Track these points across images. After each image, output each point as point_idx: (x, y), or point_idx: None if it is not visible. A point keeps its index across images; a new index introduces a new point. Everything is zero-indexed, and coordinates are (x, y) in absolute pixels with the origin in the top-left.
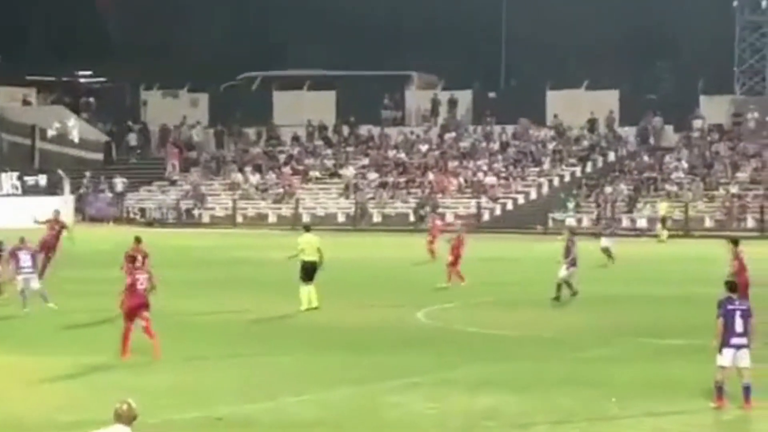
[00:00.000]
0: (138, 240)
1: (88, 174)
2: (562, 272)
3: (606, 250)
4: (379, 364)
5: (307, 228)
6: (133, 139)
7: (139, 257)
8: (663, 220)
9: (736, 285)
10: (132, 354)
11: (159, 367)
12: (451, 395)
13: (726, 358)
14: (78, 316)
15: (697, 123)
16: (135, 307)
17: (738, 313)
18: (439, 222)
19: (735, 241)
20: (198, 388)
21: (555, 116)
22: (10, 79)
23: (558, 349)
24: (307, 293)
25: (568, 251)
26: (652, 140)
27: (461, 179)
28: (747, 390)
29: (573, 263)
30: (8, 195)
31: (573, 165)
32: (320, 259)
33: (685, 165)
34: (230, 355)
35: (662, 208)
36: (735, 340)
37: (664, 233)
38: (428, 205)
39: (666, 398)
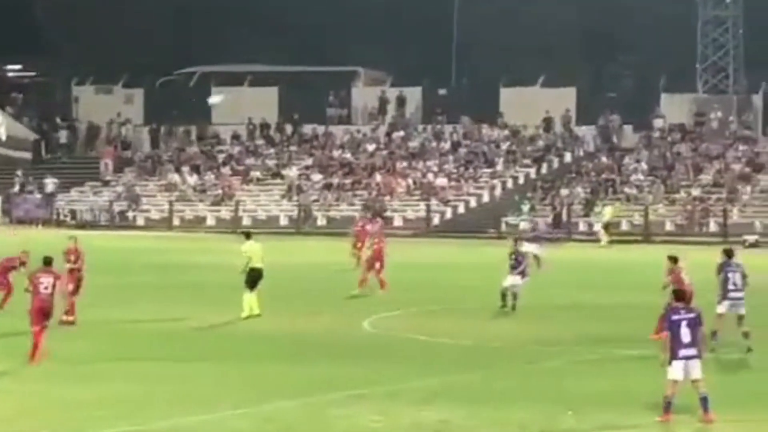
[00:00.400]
0: (73, 239)
1: (18, 173)
2: (508, 281)
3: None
4: (322, 375)
5: (247, 235)
6: (63, 136)
7: (72, 258)
8: (606, 226)
9: (684, 294)
10: (60, 364)
11: (92, 376)
12: (399, 408)
13: (676, 371)
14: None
15: (657, 122)
16: (38, 310)
17: (684, 322)
18: (367, 226)
19: (674, 259)
20: (132, 400)
21: (499, 114)
22: None
23: (509, 360)
24: (248, 300)
25: (517, 261)
26: (615, 139)
27: (410, 181)
28: (704, 401)
29: (523, 273)
30: None
31: (527, 166)
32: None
33: (644, 166)
34: (166, 365)
35: (607, 212)
36: (683, 352)
37: (605, 238)
38: (374, 208)
39: (622, 411)
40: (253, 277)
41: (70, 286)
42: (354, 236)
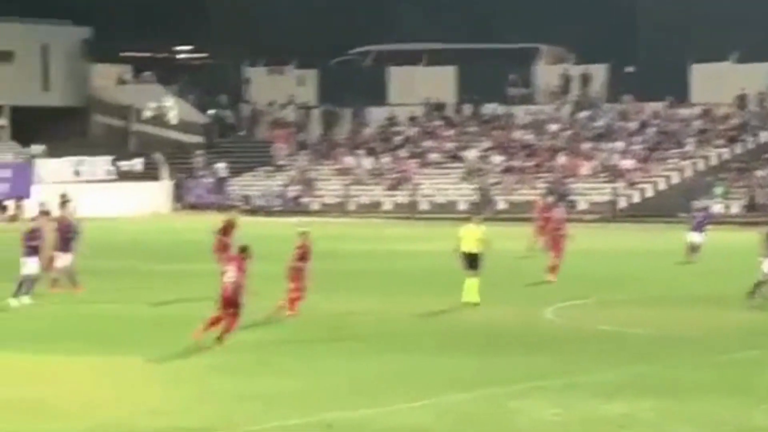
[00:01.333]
0: (304, 234)
1: (199, 156)
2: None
3: (694, 246)
4: (501, 366)
5: (469, 218)
6: (235, 119)
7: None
8: None
9: None
10: (238, 355)
11: (270, 369)
12: (580, 400)
13: None
14: (174, 312)
15: None
16: (224, 299)
17: None
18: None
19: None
20: (309, 392)
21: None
22: (103, 56)
23: (699, 351)
24: (467, 285)
25: None
26: None
27: (595, 162)
28: None
29: None
30: (102, 181)
31: (720, 146)
32: (484, 250)
33: None
34: (344, 356)
35: None
36: None
37: None
38: (557, 191)
39: None
40: (465, 261)
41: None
42: (537, 221)
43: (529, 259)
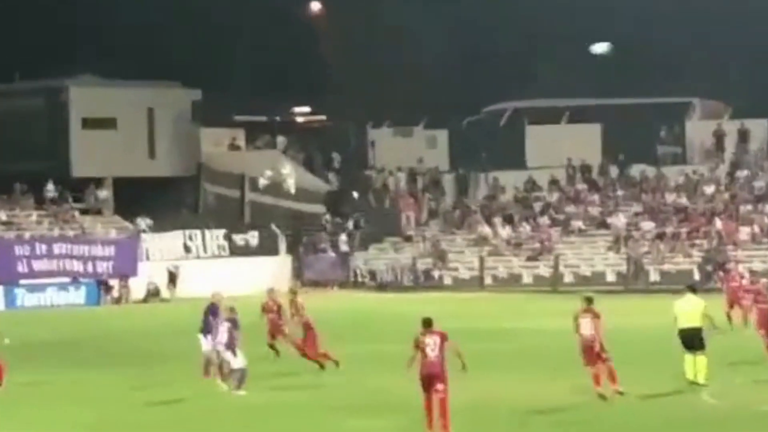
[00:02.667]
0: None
1: (324, 225)
2: None
3: None
4: None
5: (692, 289)
6: (358, 186)
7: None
8: None
9: None
10: None
11: None
12: None
13: None
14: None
15: None
16: (425, 376)
17: None
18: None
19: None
20: None
21: None
22: (214, 120)
23: None
24: (692, 362)
25: None
26: None
27: (756, 227)
28: None
29: None
30: (214, 257)
31: None
32: (708, 325)
33: None
34: None
35: None
36: None
37: None
38: (716, 259)
39: None
40: (682, 339)
41: None
42: (728, 293)
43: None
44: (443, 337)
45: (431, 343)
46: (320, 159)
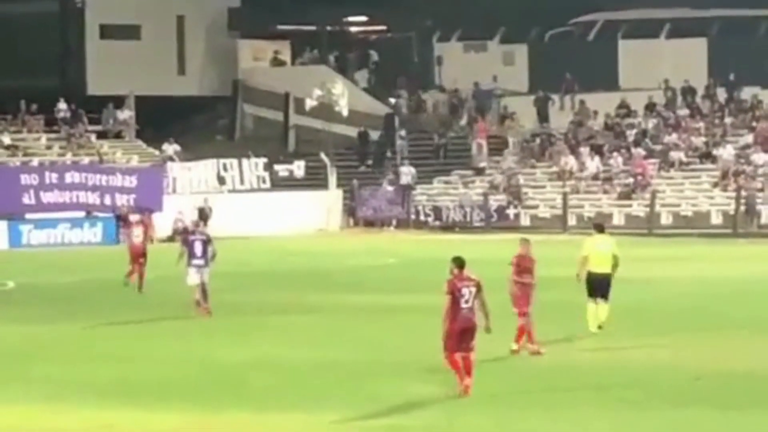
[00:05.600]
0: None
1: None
2: None
3: None
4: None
5: (599, 228)
6: (423, 110)
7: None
8: None
9: None
10: (426, 413)
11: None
12: None
13: None
14: (342, 358)
15: None
16: (461, 331)
17: None
18: None
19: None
20: None
21: None
22: (255, 31)
23: None
24: (594, 311)
25: None
26: None
27: None
28: None
29: None
30: (253, 190)
31: None
32: (614, 269)
33: None
34: (547, 413)
35: None
36: None
37: None
38: None
39: None
40: (592, 284)
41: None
42: None
43: None
44: (479, 288)
45: (467, 294)
46: (379, 76)
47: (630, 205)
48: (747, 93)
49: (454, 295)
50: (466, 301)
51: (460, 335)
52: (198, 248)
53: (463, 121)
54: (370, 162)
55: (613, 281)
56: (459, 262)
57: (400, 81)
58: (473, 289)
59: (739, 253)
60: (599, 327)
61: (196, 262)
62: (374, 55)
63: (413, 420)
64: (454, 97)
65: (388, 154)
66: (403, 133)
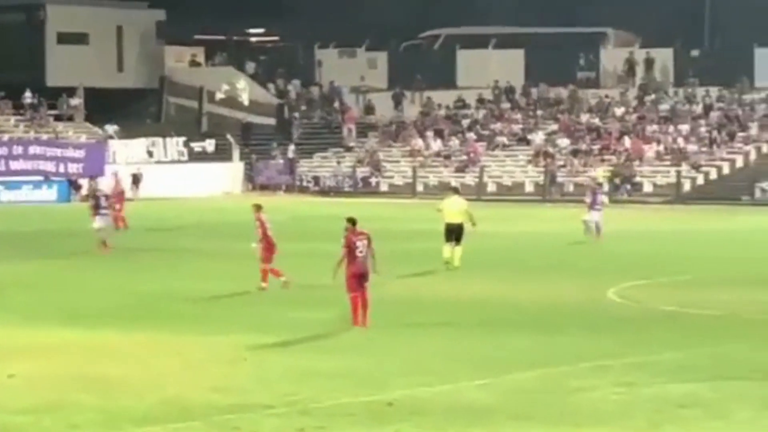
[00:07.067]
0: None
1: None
2: None
3: (589, 225)
4: (564, 346)
5: (456, 191)
6: (306, 101)
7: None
8: None
9: None
10: (300, 333)
11: (332, 348)
12: (643, 380)
13: None
14: (238, 289)
15: None
16: (357, 275)
17: None
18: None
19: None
20: (369, 371)
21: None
22: (177, 39)
23: (763, 333)
24: (450, 250)
25: None
26: None
27: (660, 146)
28: None
29: None
30: (174, 162)
31: None
32: (471, 219)
33: None
34: (405, 336)
35: None
36: None
37: None
38: (624, 173)
39: None
40: (447, 231)
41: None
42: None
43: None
44: (369, 240)
45: (361, 245)
46: (271, 75)
47: (464, 177)
48: (553, 92)
49: (350, 247)
50: (360, 251)
51: (358, 278)
52: (102, 201)
53: (337, 111)
54: (264, 141)
55: (467, 230)
56: (352, 221)
57: (291, 80)
58: (365, 241)
59: (546, 215)
60: (455, 267)
61: (101, 212)
62: (264, 64)
63: (299, 337)
64: (331, 92)
65: (278, 135)
66: (296, 115)
